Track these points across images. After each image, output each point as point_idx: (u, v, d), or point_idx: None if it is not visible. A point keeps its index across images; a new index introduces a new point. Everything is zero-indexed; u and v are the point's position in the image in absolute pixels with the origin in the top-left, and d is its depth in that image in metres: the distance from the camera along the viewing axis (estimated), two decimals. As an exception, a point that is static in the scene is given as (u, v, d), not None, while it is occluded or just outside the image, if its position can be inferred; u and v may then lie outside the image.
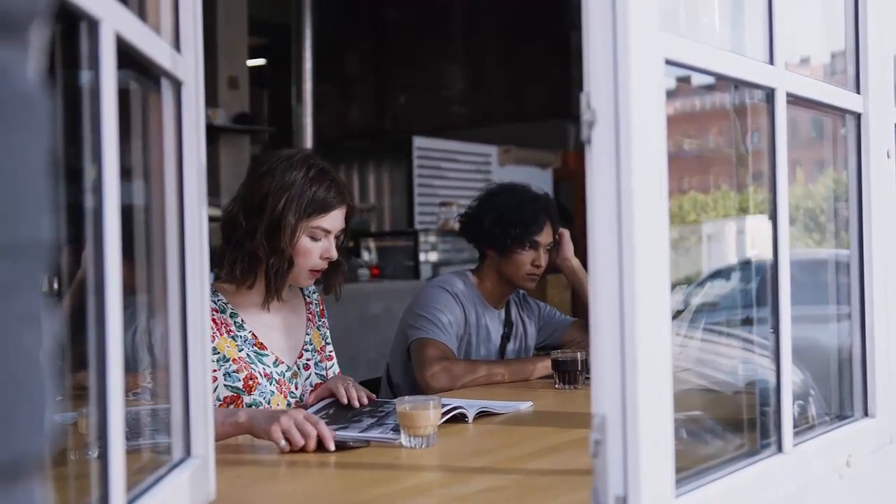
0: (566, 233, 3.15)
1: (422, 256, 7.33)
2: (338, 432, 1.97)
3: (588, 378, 2.67)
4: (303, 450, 1.88)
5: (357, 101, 10.16)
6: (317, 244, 2.29)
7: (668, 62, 1.22)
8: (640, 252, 1.13)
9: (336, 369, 2.51)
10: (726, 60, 1.44)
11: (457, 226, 3.50)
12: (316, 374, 2.43)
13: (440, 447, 1.92)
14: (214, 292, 2.30)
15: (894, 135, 1.90)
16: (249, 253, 2.25)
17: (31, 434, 0.57)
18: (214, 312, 2.26)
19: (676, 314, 1.76)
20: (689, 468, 1.31)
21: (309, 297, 2.50)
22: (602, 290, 1.15)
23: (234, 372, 2.24)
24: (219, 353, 2.23)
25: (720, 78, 1.49)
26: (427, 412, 1.90)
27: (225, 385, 2.22)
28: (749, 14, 1.71)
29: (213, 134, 7.13)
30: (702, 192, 2.01)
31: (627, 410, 1.13)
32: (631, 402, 1.13)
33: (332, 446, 1.88)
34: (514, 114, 9.09)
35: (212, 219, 1.65)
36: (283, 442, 1.88)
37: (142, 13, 1.24)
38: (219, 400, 2.21)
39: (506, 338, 3.13)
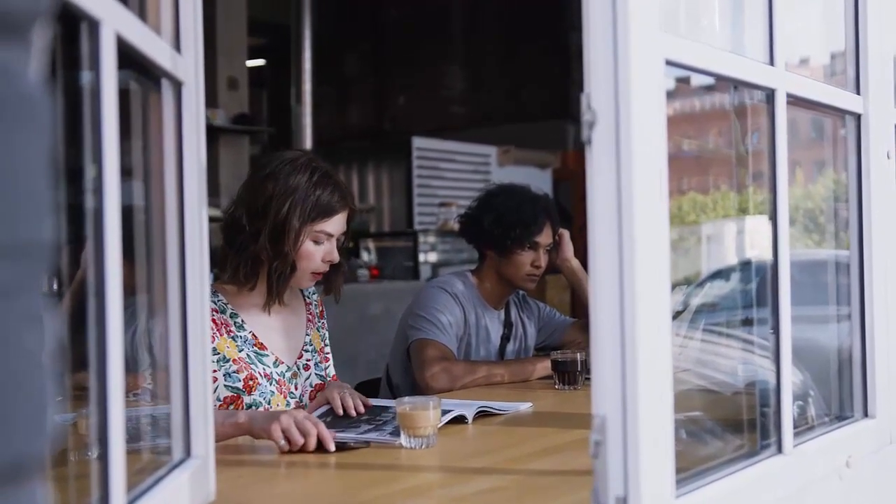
0: (566, 233, 3.15)
1: (421, 257, 7.33)
2: (337, 434, 1.97)
3: (588, 379, 2.67)
4: (302, 450, 1.88)
5: (356, 102, 10.16)
6: (319, 247, 2.29)
7: (669, 63, 1.22)
8: (640, 252, 1.13)
9: (332, 371, 2.51)
10: (726, 61, 1.44)
11: (456, 226, 3.50)
12: (316, 374, 2.43)
13: (440, 448, 1.92)
14: (214, 293, 2.30)
15: (894, 136, 1.90)
16: (253, 256, 2.26)
17: (33, 435, 0.57)
18: (214, 313, 2.26)
19: (676, 315, 1.76)
20: (689, 469, 1.31)
21: (309, 297, 2.50)
22: (602, 291, 1.14)
23: (234, 372, 2.24)
24: (219, 353, 2.23)
25: (720, 79, 1.49)
26: (427, 413, 1.90)
27: (225, 385, 2.22)
28: (749, 14, 1.71)
29: (213, 134, 7.13)
30: (701, 193, 2.01)
31: (628, 411, 1.13)
32: (631, 402, 1.13)
33: (331, 447, 1.88)
34: (513, 114, 9.09)
35: (211, 219, 1.65)
36: (282, 441, 1.88)
37: (142, 14, 1.24)
38: (219, 400, 2.21)
39: (505, 338, 3.13)
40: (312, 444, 1.88)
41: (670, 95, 1.23)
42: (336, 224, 2.30)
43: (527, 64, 9.12)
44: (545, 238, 3.02)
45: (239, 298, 2.33)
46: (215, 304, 2.28)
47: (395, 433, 1.95)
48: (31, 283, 0.57)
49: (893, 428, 1.86)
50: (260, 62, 9.63)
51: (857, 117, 1.82)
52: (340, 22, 9.64)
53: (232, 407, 2.21)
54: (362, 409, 2.19)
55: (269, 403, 2.27)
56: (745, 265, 2.01)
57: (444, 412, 2.09)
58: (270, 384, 2.29)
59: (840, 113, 1.82)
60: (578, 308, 3.78)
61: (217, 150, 7.25)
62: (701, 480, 1.32)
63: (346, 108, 10.09)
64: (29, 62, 0.57)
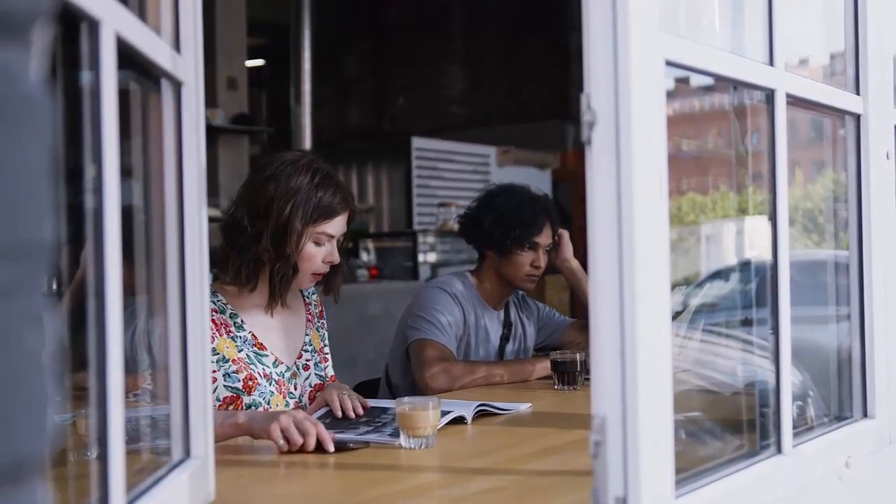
0: (565, 234, 3.15)
1: (420, 257, 7.33)
2: (337, 434, 1.97)
3: (587, 379, 2.67)
4: (301, 450, 1.88)
5: (356, 102, 10.17)
6: (320, 248, 2.30)
7: (669, 63, 1.22)
8: (640, 253, 1.13)
9: (330, 371, 2.51)
10: (726, 61, 1.44)
11: (456, 226, 3.50)
12: (315, 374, 2.43)
13: (439, 448, 1.92)
14: (214, 293, 2.30)
15: (894, 136, 1.90)
16: (255, 258, 2.26)
17: (33, 435, 0.57)
18: (214, 313, 2.26)
19: (675, 315, 1.76)
20: (688, 469, 1.31)
21: (308, 298, 2.50)
22: (602, 291, 1.14)
23: (233, 372, 2.24)
24: (218, 353, 2.23)
25: (720, 79, 1.49)
26: (426, 413, 1.90)
27: (224, 386, 2.22)
28: (749, 15, 1.71)
29: (212, 134, 7.13)
30: (700, 193, 2.01)
31: (627, 411, 1.13)
32: (631, 403, 1.13)
33: (331, 447, 1.88)
34: (512, 114, 9.09)
35: (210, 219, 1.65)
36: (281, 441, 1.88)
37: (142, 14, 1.24)
38: (218, 400, 2.21)
39: (505, 339, 3.13)
40: (311, 443, 1.88)
41: (669, 96, 1.23)
42: (337, 225, 2.31)
43: (526, 64, 9.13)
44: (545, 238, 3.02)
45: (239, 298, 2.33)
46: (215, 304, 2.28)
47: (395, 434, 1.94)
48: (32, 284, 0.57)
49: (893, 428, 1.86)
50: (259, 62, 9.64)
51: (857, 118, 1.82)
52: (340, 22, 9.64)
53: (231, 407, 2.21)
54: (361, 412, 2.19)
55: (268, 404, 2.27)
56: (745, 265, 2.01)
57: (444, 413, 2.09)
58: (270, 384, 2.29)
59: (840, 113, 1.83)
60: (578, 308, 3.79)
61: (216, 150, 7.25)
62: (700, 481, 1.32)
63: (346, 109, 10.09)
64: (29, 62, 0.57)
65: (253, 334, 2.32)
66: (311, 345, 2.45)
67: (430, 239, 7.43)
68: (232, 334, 2.28)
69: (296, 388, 2.36)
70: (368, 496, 1.62)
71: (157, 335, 1.43)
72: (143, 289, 1.39)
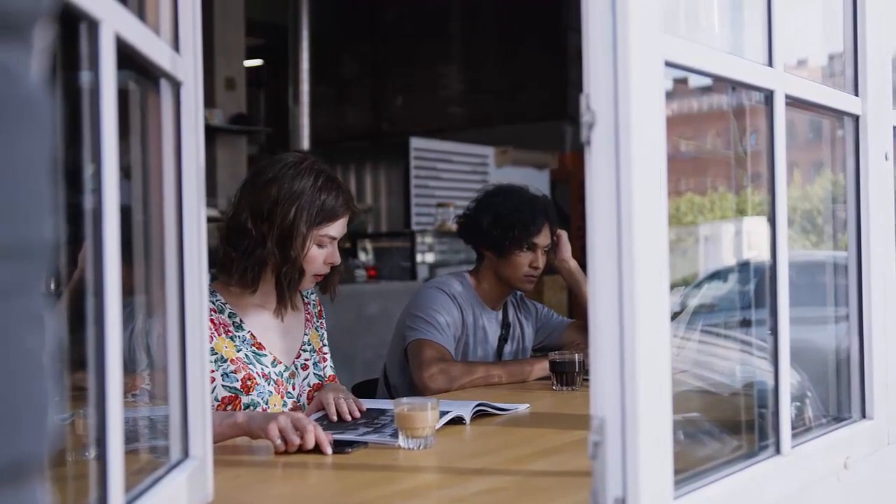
0: (564, 234, 3.15)
1: (419, 257, 7.33)
2: (336, 435, 1.97)
3: (586, 380, 2.67)
4: (300, 450, 1.88)
5: (354, 102, 10.16)
6: (322, 250, 2.31)
7: (668, 64, 1.22)
8: (639, 254, 1.13)
9: (329, 371, 2.51)
10: (726, 62, 1.44)
11: (454, 227, 3.50)
12: (314, 374, 2.43)
13: (438, 449, 1.92)
14: (213, 292, 2.30)
15: (892, 137, 1.91)
16: (260, 261, 2.26)
17: (34, 436, 0.57)
18: (213, 313, 2.26)
19: (674, 316, 1.76)
20: (687, 470, 1.31)
21: (307, 297, 2.50)
22: (602, 292, 1.14)
23: (231, 372, 2.24)
24: (216, 353, 2.23)
25: (720, 80, 1.49)
26: (425, 413, 1.90)
27: (223, 385, 2.22)
28: (748, 15, 1.71)
29: (210, 134, 7.12)
30: (699, 194, 2.01)
31: (627, 412, 1.13)
32: (630, 403, 1.13)
33: (328, 450, 1.88)
34: (511, 115, 9.10)
35: (208, 219, 1.65)
36: (279, 441, 1.87)
37: (141, 14, 1.24)
38: (217, 400, 2.21)
39: (503, 339, 3.13)
40: (310, 441, 1.87)
41: (668, 96, 1.23)
42: (339, 227, 2.32)
43: (524, 65, 9.13)
44: (543, 239, 3.02)
45: (238, 298, 2.33)
46: (213, 303, 2.28)
47: (395, 435, 1.94)
48: (32, 284, 0.57)
49: (891, 429, 1.86)
50: (258, 62, 9.63)
51: (856, 119, 1.83)
52: (338, 22, 9.64)
53: (230, 407, 2.21)
54: (357, 414, 2.18)
55: (266, 404, 2.26)
56: (743, 266, 2.01)
57: (443, 413, 2.09)
58: (268, 384, 2.29)
59: (839, 114, 1.83)
60: (576, 309, 3.79)
61: (214, 150, 7.24)
62: (699, 481, 1.32)
63: (344, 109, 10.09)
64: (30, 63, 0.57)
65: (252, 334, 2.32)
66: (309, 344, 2.45)
67: (429, 239, 7.43)
68: (231, 334, 2.28)
69: (294, 388, 2.36)
70: (367, 497, 1.62)
71: (156, 335, 1.43)
72: (141, 289, 1.39)
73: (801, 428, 1.67)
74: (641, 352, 1.13)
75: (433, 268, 7.26)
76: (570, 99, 8.42)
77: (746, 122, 1.75)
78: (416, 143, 7.99)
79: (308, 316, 2.48)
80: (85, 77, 0.99)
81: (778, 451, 1.51)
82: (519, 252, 2.99)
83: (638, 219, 1.13)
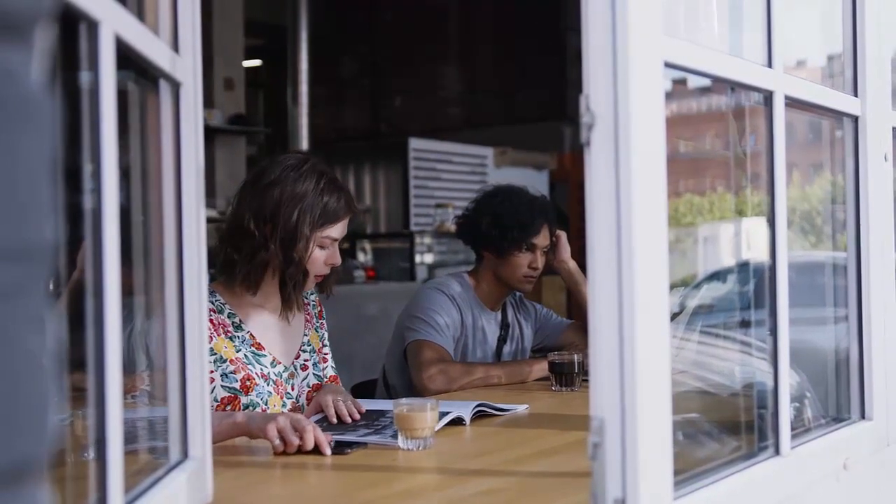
0: (563, 235, 3.15)
1: (417, 258, 7.32)
2: (337, 436, 1.97)
3: (585, 380, 2.67)
4: (299, 451, 1.87)
5: (353, 103, 10.16)
6: (324, 252, 2.32)
7: (668, 65, 1.22)
8: (639, 255, 1.13)
9: (330, 371, 2.51)
10: (725, 63, 1.44)
11: (453, 227, 3.50)
12: (314, 374, 2.43)
13: (437, 449, 1.92)
14: (212, 292, 2.30)
15: (892, 138, 1.91)
16: (263, 263, 2.27)
17: (35, 437, 0.57)
18: (212, 313, 2.26)
19: (673, 317, 1.77)
20: (687, 471, 1.31)
21: (307, 298, 2.50)
22: (601, 293, 1.14)
23: (231, 373, 2.24)
24: (216, 353, 2.23)
25: (720, 81, 1.49)
26: (424, 414, 1.90)
27: (222, 386, 2.22)
28: (748, 16, 1.71)
29: (209, 135, 7.11)
30: (698, 195, 2.01)
31: (626, 413, 1.13)
32: (630, 404, 1.13)
33: (327, 451, 1.87)
34: (510, 116, 9.10)
35: (207, 220, 1.65)
36: (277, 441, 1.87)
37: (140, 14, 1.24)
38: (216, 401, 2.21)
39: (502, 340, 3.13)
40: (309, 441, 1.86)
41: (667, 97, 1.23)
42: (341, 229, 2.33)
43: (523, 65, 9.13)
44: (542, 240, 3.02)
45: (237, 298, 2.33)
46: (213, 304, 2.28)
47: (396, 436, 1.94)
48: (33, 285, 0.57)
49: (891, 430, 1.86)
50: (256, 63, 9.63)
51: (855, 119, 1.83)
52: (337, 23, 9.64)
53: (229, 408, 2.21)
54: (357, 416, 2.17)
55: (266, 404, 2.26)
56: (742, 267, 2.01)
57: (443, 414, 2.09)
58: (268, 385, 2.29)
59: (838, 115, 1.83)
60: (575, 310, 3.78)
61: (213, 150, 7.23)
62: (699, 482, 1.32)
63: (343, 109, 10.09)
64: (31, 63, 0.57)
65: (251, 334, 2.32)
66: (309, 345, 2.45)
67: (427, 240, 7.43)
68: (230, 334, 2.28)
69: (293, 389, 2.36)
70: (366, 497, 1.62)
71: (155, 336, 1.43)
72: (140, 289, 1.38)
73: (801, 429, 1.67)
74: (641, 353, 1.13)
75: (432, 268, 7.25)
76: (569, 99, 8.42)
77: (745, 123, 1.75)
78: (414, 143, 7.99)
79: (308, 316, 2.48)
80: (84, 77, 0.99)
81: (777, 451, 1.51)
82: (518, 253, 2.99)
83: (637, 220, 1.13)
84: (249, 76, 8.30)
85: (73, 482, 1.31)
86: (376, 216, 8.36)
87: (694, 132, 2.08)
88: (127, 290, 1.12)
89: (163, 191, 1.37)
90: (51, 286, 1.13)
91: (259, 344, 2.32)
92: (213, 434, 1.50)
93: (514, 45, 9.19)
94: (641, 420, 1.13)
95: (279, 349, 2.36)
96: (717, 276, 2.63)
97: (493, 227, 2.99)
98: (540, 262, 3.02)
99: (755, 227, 1.73)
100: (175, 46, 1.37)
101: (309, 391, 2.40)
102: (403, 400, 1.98)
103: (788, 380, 1.53)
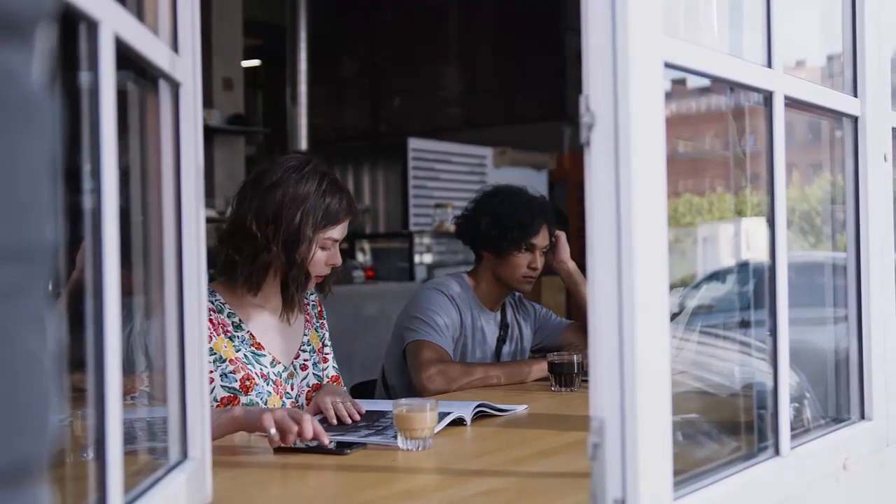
0: (562, 235, 3.15)
1: (416, 258, 7.32)
2: (338, 437, 1.96)
3: (584, 381, 2.67)
4: (299, 451, 1.87)
5: (352, 103, 10.16)
6: (325, 252, 2.32)
7: (668, 65, 1.22)
8: (639, 255, 1.13)
9: (331, 371, 2.51)
10: (725, 63, 1.44)
11: (452, 228, 3.50)
12: (313, 374, 2.43)
13: (437, 450, 1.92)
14: (212, 292, 2.30)
15: (891, 138, 1.91)
16: (266, 265, 2.27)
17: (35, 438, 0.57)
18: (211, 313, 2.26)
19: (672, 317, 1.76)
20: (686, 471, 1.31)
21: (307, 298, 2.50)
22: (601, 293, 1.14)
23: (230, 373, 2.24)
24: (215, 353, 2.23)
25: (719, 81, 1.49)
26: (424, 414, 1.90)
27: (222, 386, 2.22)
28: (748, 16, 1.71)
29: (208, 135, 7.10)
30: (697, 195, 2.01)
31: (626, 414, 1.13)
32: (630, 405, 1.13)
33: (326, 441, 1.86)
34: (509, 116, 9.10)
35: (206, 220, 1.65)
36: (273, 430, 1.85)
37: (139, 14, 1.23)
38: (216, 401, 2.21)
39: (501, 340, 3.13)
40: (307, 429, 1.84)
41: (666, 97, 1.23)
42: (342, 230, 2.34)
43: (523, 65, 9.13)
44: (542, 240, 3.02)
45: (237, 298, 2.33)
46: (213, 303, 2.28)
47: (395, 437, 1.94)
48: (34, 285, 0.57)
49: (890, 430, 1.86)
50: (255, 63, 9.63)
51: (855, 120, 1.83)
52: (336, 23, 9.64)
53: (228, 407, 2.21)
54: (357, 417, 2.17)
55: (265, 404, 2.26)
56: (742, 267, 2.01)
57: (444, 414, 2.09)
58: (267, 384, 2.29)
59: (837, 115, 1.83)
60: (574, 310, 3.79)
61: (212, 150, 7.23)
62: (699, 483, 1.32)
63: (342, 109, 10.09)
64: (32, 64, 0.57)
65: (251, 334, 2.32)
66: (309, 345, 2.45)
67: (427, 240, 7.43)
68: (230, 334, 2.28)
69: (293, 389, 2.36)
70: (366, 498, 1.62)
71: (155, 336, 1.43)
72: (139, 290, 1.38)
73: (801, 429, 1.67)
74: (641, 353, 1.13)
75: (431, 268, 7.25)
76: (568, 100, 8.42)
77: (745, 123, 1.75)
78: (414, 143, 7.99)
79: (307, 316, 2.48)
80: (84, 77, 0.99)
81: (777, 452, 1.51)
82: (517, 253, 2.99)
83: (637, 220, 1.13)
84: (248, 76, 8.30)
85: (72, 482, 1.31)
86: (375, 216, 8.36)
87: (693, 132, 2.08)
88: (126, 291, 1.12)
89: (162, 191, 1.37)
90: (50, 286, 1.13)
91: (259, 344, 2.32)
92: (212, 430, 1.49)
93: (514, 45, 9.19)
94: (641, 420, 1.13)
95: (279, 349, 2.36)
96: (717, 276, 2.64)
97: (493, 227, 2.99)
98: (539, 262, 3.02)
99: (755, 227, 1.73)
100: (174, 46, 1.36)
101: (309, 391, 2.40)
102: (403, 400, 1.98)
103: (788, 380, 1.53)
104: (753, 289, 1.78)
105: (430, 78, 9.66)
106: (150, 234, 1.38)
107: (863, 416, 1.82)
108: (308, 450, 1.89)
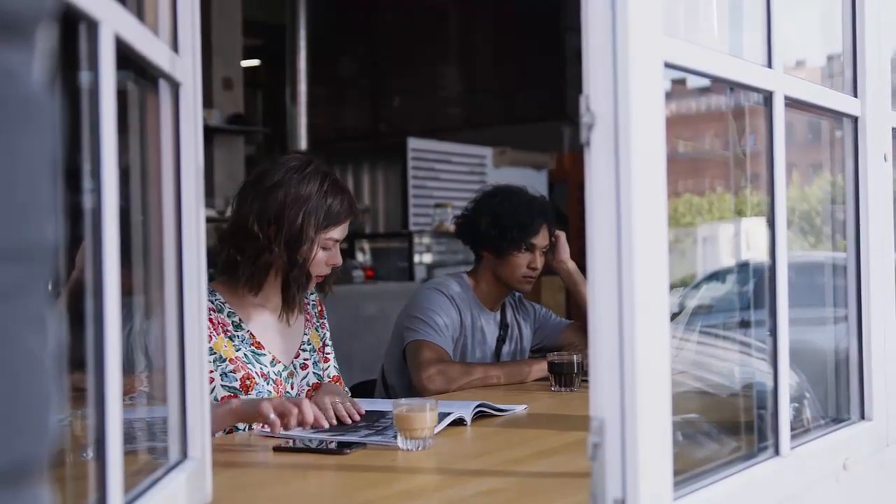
0: (562, 235, 3.15)
1: (416, 258, 7.32)
2: (337, 437, 1.96)
3: (584, 381, 2.67)
4: (298, 451, 1.87)
5: (352, 103, 10.16)
6: (326, 253, 2.32)
7: (668, 65, 1.22)
8: (639, 255, 1.13)
9: (332, 371, 2.51)
10: (725, 63, 1.44)
11: (452, 227, 3.50)
12: (314, 373, 2.43)
13: (437, 450, 1.92)
14: (212, 291, 2.30)
15: (891, 138, 1.91)
16: (267, 265, 2.27)
17: (36, 437, 0.57)
18: (211, 312, 2.26)
19: (672, 317, 1.76)
20: (686, 471, 1.31)
21: (307, 297, 2.50)
22: (601, 293, 1.14)
23: (230, 372, 2.24)
24: (215, 353, 2.23)
25: (720, 81, 1.49)
26: (423, 414, 1.90)
27: (222, 385, 2.22)
28: (748, 16, 1.71)
29: (208, 134, 7.07)
30: (697, 195, 2.01)
31: (626, 413, 1.13)
32: (630, 405, 1.13)
33: (325, 424, 1.87)
34: (509, 115, 9.10)
35: (206, 219, 1.65)
36: (273, 415, 1.86)
37: (140, 14, 1.23)
38: (216, 400, 2.20)
39: (501, 340, 3.13)
40: (307, 411, 1.86)
41: (666, 97, 1.23)
42: (343, 230, 2.35)
43: (522, 65, 9.13)
44: (542, 240, 3.02)
45: (237, 298, 2.33)
46: (212, 302, 2.28)
47: (395, 437, 1.94)
48: (34, 286, 0.57)
49: (890, 430, 1.86)
50: (255, 62, 9.63)
51: (855, 120, 1.83)
52: (336, 22, 9.64)
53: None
54: (357, 417, 2.17)
55: (265, 404, 2.26)
56: (742, 267, 2.01)
57: (444, 414, 2.08)
58: (267, 384, 2.29)
59: (837, 115, 1.83)
60: (574, 310, 3.79)
61: (212, 150, 7.23)
62: (699, 483, 1.32)
63: (342, 109, 10.09)
64: (33, 64, 0.57)
65: (251, 333, 2.32)
66: (309, 344, 2.45)
67: (426, 240, 7.43)
68: (230, 333, 2.28)
69: (293, 388, 2.36)
70: (366, 497, 1.62)
71: (154, 336, 1.43)
72: (139, 289, 1.38)
73: (801, 429, 1.67)
74: (641, 353, 1.13)
75: (431, 268, 7.25)
76: (568, 99, 8.42)
77: (745, 123, 1.75)
78: (413, 143, 7.99)
79: (307, 316, 2.49)
80: (84, 77, 0.99)
81: (777, 452, 1.51)
82: (517, 253, 2.99)
83: (637, 220, 1.13)
84: (248, 76, 8.30)
85: (72, 482, 1.31)
86: (375, 216, 8.36)
87: (693, 132, 2.08)
88: (126, 290, 1.12)
89: (162, 190, 1.37)
90: (50, 286, 1.13)
91: (259, 343, 2.32)
92: (210, 423, 1.50)
93: (514, 45, 9.19)
94: (641, 420, 1.13)
95: (279, 348, 2.37)
96: (717, 276, 2.64)
97: (493, 227, 2.99)
98: (539, 262, 3.02)
99: (755, 227, 1.73)
100: (174, 46, 1.36)
101: (308, 390, 2.40)
102: (403, 400, 1.98)
103: (788, 380, 1.53)
104: (753, 289, 1.78)
105: (430, 78, 9.66)
106: (150, 234, 1.38)
107: (863, 416, 1.82)
108: (308, 450, 1.89)
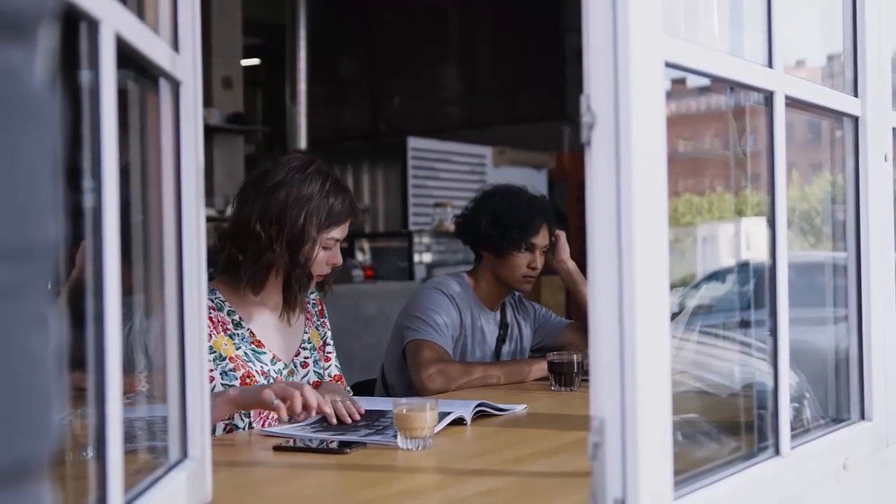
0: (562, 235, 3.15)
1: (416, 257, 7.32)
2: (337, 437, 1.96)
3: (584, 380, 2.67)
4: (300, 450, 1.87)
5: (352, 102, 10.16)
6: (326, 252, 2.33)
7: (668, 65, 1.22)
8: (639, 255, 1.13)
9: (333, 370, 2.51)
10: (726, 63, 1.44)
11: (452, 227, 3.50)
12: (314, 372, 2.43)
13: (437, 449, 1.92)
14: (212, 290, 2.30)
15: (892, 138, 1.91)
16: (268, 265, 2.27)
17: (37, 436, 0.57)
18: (211, 311, 2.26)
19: (672, 317, 1.76)
20: (687, 471, 1.31)
21: (307, 296, 2.50)
22: (601, 293, 1.14)
23: (230, 370, 2.24)
24: (215, 351, 2.23)
25: (720, 81, 1.49)
26: (423, 414, 1.90)
27: (222, 384, 2.22)
28: (748, 16, 1.71)
29: (208, 134, 7.06)
30: (697, 195, 2.01)
31: (626, 413, 1.13)
32: (630, 404, 1.13)
33: (328, 409, 1.87)
34: (509, 115, 9.10)
35: (206, 219, 1.65)
36: (276, 401, 1.87)
37: (140, 13, 1.23)
38: (215, 398, 2.21)
39: (501, 339, 3.13)
40: (309, 394, 1.87)
41: (667, 96, 1.23)
42: (344, 230, 2.36)
43: (522, 65, 9.13)
44: (542, 239, 3.02)
45: (238, 296, 2.33)
46: (212, 301, 2.28)
47: (395, 436, 1.94)
48: (38, 285, 0.57)
49: (891, 430, 1.86)
50: (255, 61, 9.62)
51: (855, 120, 1.83)
52: (336, 22, 9.63)
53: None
54: (357, 416, 2.16)
55: (265, 403, 2.26)
56: (742, 267, 2.01)
57: (444, 413, 2.08)
58: (268, 382, 2.29)
59: (838, 115, 1.83)
60: (574, 310, 3.79)
61: (211, 149, 7.23)
62: (699, 482, 1.32)
63: (342, 109, 10.09)
64: (35, 63, 0.57)
65: (251, 332, 2.32)
66: (309, 342, 2.45)
67: (426, 239, 7.43)
68: (230, 332, 2.28)
69: (293, 387, 2.36)
70: (366, 497, 1.62)
71: (154, 335, 1.43)
72: (139, 288, 1.38)
73: (801, 429, 1.67)
74: (641, 352, 1.13)
75: (431, 268, 7.25)
76: (568, 99, 8.42)
77: (745, 123, 1.75)
78: (413, 143, 7.99)
79: (308, 314, 2.49)
80: (85, 76, 0.99)
81: (777, 452, 1.51)
82: (517, 253, 2.99)
83: (638, 219, 1.13)
84: (248, 75, 8.30)
85: (72, 481, 1.31)
86: (375, 215, 8.37)
87: (693, 132, 2.08)
88: (126, 289, 1.12)
89: (162, 190, 1.37)
90: (50, 285, 1.13)
91: (259, 341, 2.32)
92: (212, 415, 1.50)
93: (514, 45, 9.19)
94: (641, 420, 1.13)
95: (279, 347, 2.37)
96: (717, 276, 2.64)
97: (493, 226, 2.99)
98: (539, 261, 3.02)
99: (755, 227, 1.73)
100: (175, 45, 1.36)
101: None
102: (403, 400, 1.98)
103: (788, 380, 1.53)
104: (753, 289, 1.78)
105: (430, 78, 9.66)
106: (150, 233, 1.38)
107: (863, 416, 1.82)
108: (308, 449, 1.90)
